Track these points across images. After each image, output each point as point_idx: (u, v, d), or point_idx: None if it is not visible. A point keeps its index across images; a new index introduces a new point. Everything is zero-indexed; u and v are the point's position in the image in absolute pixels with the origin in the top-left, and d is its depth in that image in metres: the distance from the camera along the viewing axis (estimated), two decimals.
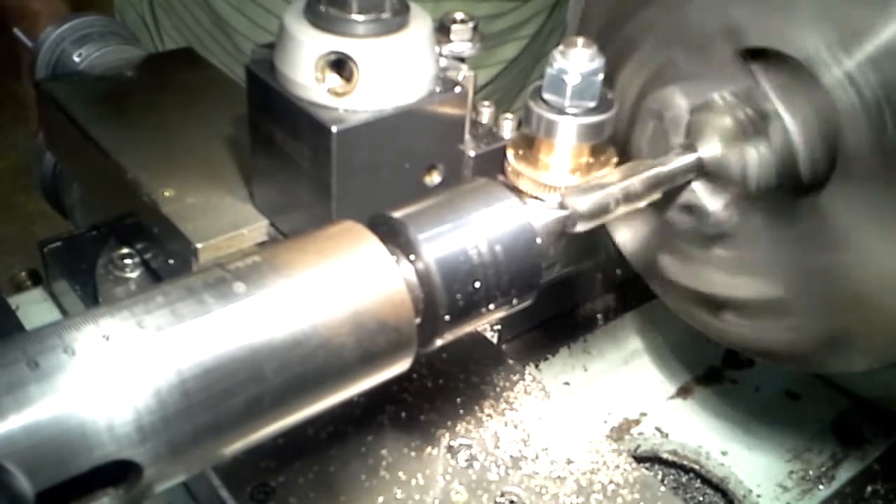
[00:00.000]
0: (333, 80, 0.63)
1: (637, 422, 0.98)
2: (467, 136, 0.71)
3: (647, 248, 0.86)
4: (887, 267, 0.66)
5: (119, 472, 0.41)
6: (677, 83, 0.74)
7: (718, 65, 0.70)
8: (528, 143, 0.68)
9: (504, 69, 1.43)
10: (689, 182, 0.73)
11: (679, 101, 0.74)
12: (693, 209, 0.75)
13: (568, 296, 1.07)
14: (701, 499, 0.94)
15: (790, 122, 0.67)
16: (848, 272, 0.68)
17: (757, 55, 0.68)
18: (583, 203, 0.63)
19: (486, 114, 0.74)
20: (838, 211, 0.67)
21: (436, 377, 0.75)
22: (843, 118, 0.63)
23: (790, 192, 0.69)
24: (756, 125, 0.68)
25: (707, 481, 0.95)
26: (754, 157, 0.68)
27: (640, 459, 0.95)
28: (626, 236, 0.87)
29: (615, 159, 0.69)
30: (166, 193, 0.76)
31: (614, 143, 0.70)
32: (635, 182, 0.66)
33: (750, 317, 0.78)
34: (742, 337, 0.81)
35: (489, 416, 0.72)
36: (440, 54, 0.68)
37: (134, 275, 0.86)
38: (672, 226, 0.78)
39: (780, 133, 0.67)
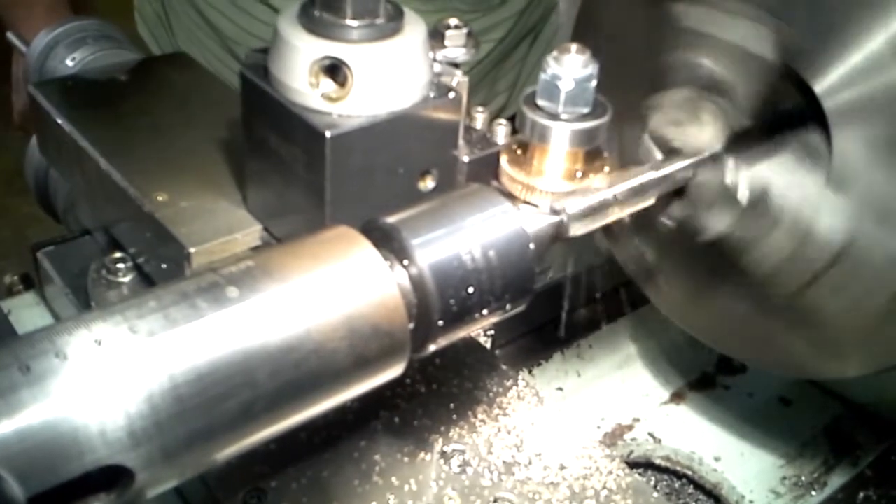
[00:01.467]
0: (327, 84, 0.63)
1: (630, 427, 0.98)
2: (461, 142, 0.72)
3: (640, 253, 0.86)
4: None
5: (111, 478, 0.41)
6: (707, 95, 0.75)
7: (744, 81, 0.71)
8: (522, 149, 0.68)
9: (469, 71, 1.46)
10: (683, 187, 0.73)
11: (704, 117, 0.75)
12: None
13: (561, 301, 1.07)
14: None
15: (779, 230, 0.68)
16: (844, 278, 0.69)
17: None
18: (576, 208, 0.63)
19: (480, 119, 0.74)
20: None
21: (429, 382, 0.75)
22: None
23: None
24: (750, 205, 0.69)
25: (700, 487, 0.95)
26: (722, 226, 0.70)
27: (633, 465, 0.95)
28: (620, 241, 0.87)
29: (609, 165, 0.69)
30: (159, 197, 0.76)
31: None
32: (628, 187, 0.66)
33: (743, 321, 0.78)
34: (734, 341, 0.81)
35: (482, 421, 0.72)
36: (434, 60, 0.68)
37: (127, 279, 0.86)
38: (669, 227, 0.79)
39: (762, 227, 0.69)
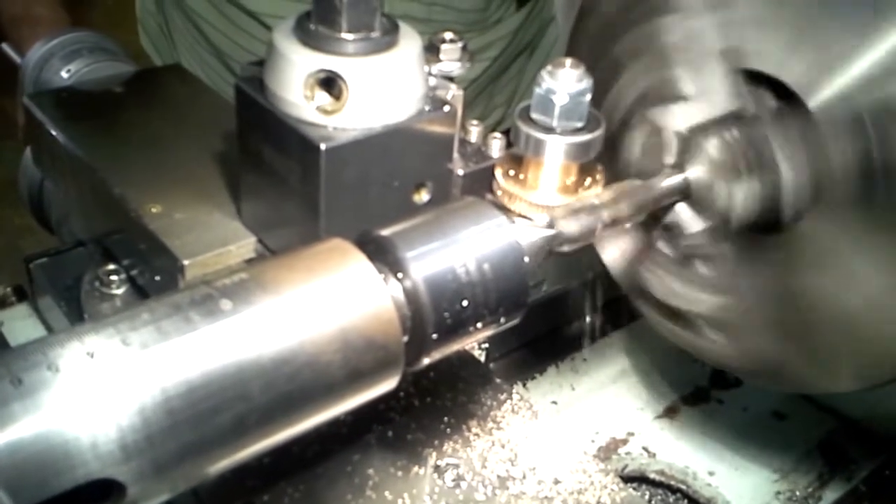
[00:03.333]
0: (322, 98, 0.63)
1: (624, 441, 0.97)
2: (456, 155, 0.72)
3: (634, 267, 0.86)
4: (870, 289, 0.66)
5: (102, 491, 0.41)
6: (675, 103, 0.74)
7: (716, 87, 0.71)
8: (517, 163, 0.68)
9: (465, 88, 1.46)
10: (674, 203, 0.73)
11: (674, 122, 0.74)
12: (672, 227, 0.75)
13: (555, 315, 1.07)
14: None
15: (785, 169, 0.67)
16: (831, 295, 0.69)
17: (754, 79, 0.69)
18: (570, 222, 0.63)
19: (474, 133, 0.74)
20: (819, 236, 0.67)
21: (423, 396, 0.75)
22: (828, 145, 0.64)
23: (767, 227, 0.70)
24: (750, 165, 0.69)
25: (694, 501, 0.95)
26: (740, 196, 0.69)
27: (627, 479, 0.95)
28: (614, 255, 0.87)
29: (603, 179, 0.69)
30: (153, 209, 0.76)
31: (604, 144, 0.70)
32: (622, 202, 0.67)
33: (733, 336, 0.78)
34: (727, 356, 0.81)
35: (476, 435, 0.72)
36: (429, 73, 0.68)
37: (120, 291, 0.86)
38: (654, 243, 0.78)
39: (772, 178, 0.68)
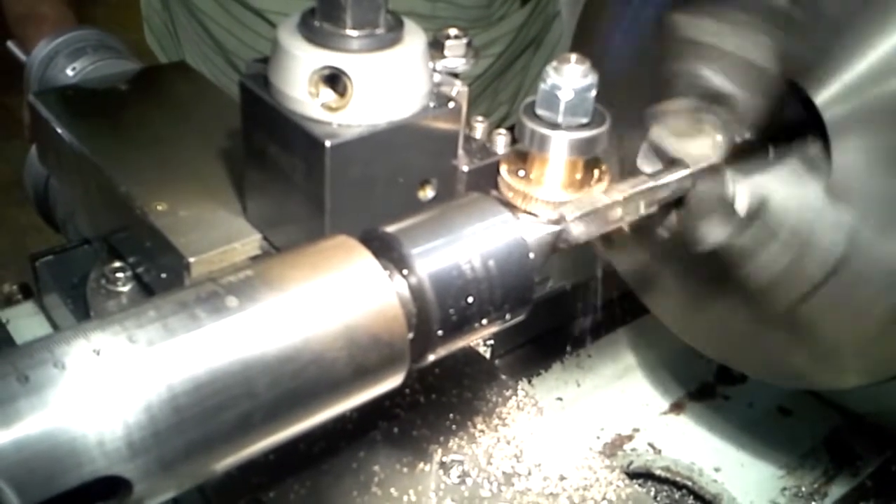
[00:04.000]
0: (327, 94, 0.63)
1: (630, 437, 0.97)
2: (461, 151, 0.72)
3: (641, 263, 0.86)
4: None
5: (109, 488, 0.41)
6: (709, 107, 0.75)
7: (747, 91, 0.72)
8: (522, 159, 0.68)
9: (470, 84, 1.46)
10: (683, 197, 0.73)
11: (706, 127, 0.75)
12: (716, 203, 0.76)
13: (561, 311, 1.07)
14: None
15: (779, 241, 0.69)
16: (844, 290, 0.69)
17: None
18: (575, 218, 0.63)
19: (479, 129, 0.74)
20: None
21: (428, 392, 0.75)
22: None
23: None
24: (749, 218, 0.70)
25: (700, 498, 0.95)
26: (721, 236, 0.69)
27: (632, 476, 0.95)
28: (620, 251, 0.87)
29: (608, 174, 0.69)
30: (159, 207, 0.76)
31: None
32: (628, 197, 0.67)
33: (743, 331, 0.78)
34: (735, 352, 0.81)
35: (482, 431, 0.72)
36: (434, 70, 0.68)
37: (126, 289, 0.86)
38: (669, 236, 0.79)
39: (762, 239, 0.70)
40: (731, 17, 0.69)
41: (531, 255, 0.56)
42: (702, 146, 0.72)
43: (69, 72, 1.04)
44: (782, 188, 0.69)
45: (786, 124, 0.68)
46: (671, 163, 0.73)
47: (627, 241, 0.84)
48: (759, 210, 0.71)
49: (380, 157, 0.66)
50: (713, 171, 0.72)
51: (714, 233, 0.74)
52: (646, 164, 0.76)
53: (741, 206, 0.72)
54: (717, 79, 0.72)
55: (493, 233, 0.55)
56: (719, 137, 0.72)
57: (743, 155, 0.71)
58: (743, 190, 0.71)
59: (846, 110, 0.63)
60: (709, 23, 0.71)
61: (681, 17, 0.73)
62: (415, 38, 0.65)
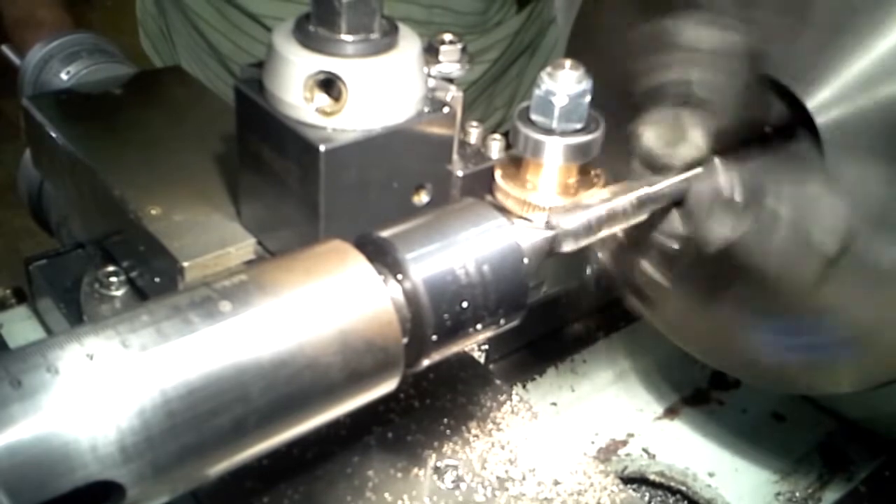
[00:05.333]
0: (322, 99, 0.63)
1: (624, 443, 0.97)
2: (455, 156, 0.72)
3: (635, 268, 0.86)
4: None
5: (102, 493, 0.41)
6: (690, 106, 0.75)
7: (731, 92, 0.72)
8: (516, 164, 0.68)
9: (465, 89, 1.47)
10: (676, 203, 0.74)
11: (689, 127, 0.75)
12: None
13: (555, 316, 1.07)
14: None
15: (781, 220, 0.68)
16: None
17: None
18: (570, 223, 0.63)
19: (474, 134, 0.74)
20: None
21: (423, 397, 0.75)
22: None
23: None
24: (747, 204, 0.70)
25: (694, 503, 0.95)
26: (725, 230, 0.70)
27: (627, 481, 0.95)
28: (614, 256, 0.87)
29: (603, 179, 0.69)
30: (153, 211, 0.76)
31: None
32: (622, 202, 0.67)
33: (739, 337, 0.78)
34: (730, 358, 0.81)
35: (476, 436, 0.72)
36: (429, 75, 0.68)
37: (119, 293, 0.86)
38: (662, 245, 0.79)
39: (764, 224, 0.69)
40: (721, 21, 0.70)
41: (526, 261, 0.57)
42: (689, 148, 0.72)
43: (63, 76, 1.04)
44: (775, 177, 0.69)
45: (772, 120, 0.68)
46: (662, 170, 0.73)
47: (623, 246, 0.85)
48: (756, 199, 0.71)
49: (374, 162, 0.66)
50: (705, 168, 0.72)
51: (719, 229, 0.73)
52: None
53: (738, 195, 0.72)
54: (700, 82, 0.72)
55: (488, 238, 0.55)
56: (702, 136, 0.72)
57: (730, 145, 0.71)
58: (737, 179, 0.71)
59: (839, 115, 0.63)
60: (689, 25, 0.72)
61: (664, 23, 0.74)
62: (410, 44, 0.65)
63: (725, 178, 0.72)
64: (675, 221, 0.76)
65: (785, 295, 0.72)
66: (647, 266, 0.82)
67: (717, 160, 0.72)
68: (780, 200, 0.69)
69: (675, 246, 0.77)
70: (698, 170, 0.72)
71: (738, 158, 0.71)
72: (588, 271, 0.97)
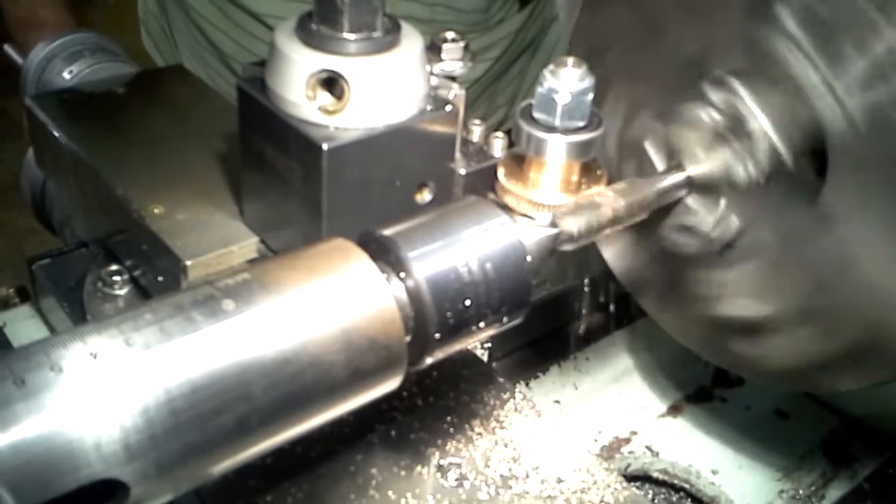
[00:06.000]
0: (324, 97, 0.64)
1: (627, 440, 0.97)
2: (458, 155, 0.72)
3: (637, 266, 0.86)
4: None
5: (106, 492, 0.41)
6: (651, 111, 0.74)
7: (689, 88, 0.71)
8: (519, 162, 0.68)
9: (467, 87, 1.47)
10: (679, 199, 0.73)
11: (655, 127, 0.74)
12: (690, 229, 0.75)
13: (558, 314, 1.07)
14: None
15: (761, 117, 0.67)
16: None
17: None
18: (573, 221, 0.63)
19: (476, 132, 0.74)
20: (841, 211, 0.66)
21: (426, 395, 0.75)
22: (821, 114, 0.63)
23: (789, 188, 0.69)
24: (732, 128, 0.68)
25: (697, 500, 0.95)
26: (734, 157, 0.69)
27: (630, 478, 0.95)
28: (616, 254, 0.87)
29: (605, 177, 0.69)
30: (156, 210, 0.76)
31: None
32: (625, 200, 0.67)
33: (745, 336, 0.78)
34: (735, 356, 0.81)
35: (479, 434, 0.72)
36: (431, 73, 0.68)
37: (122, 292, 0.86)
38: (672, 247, 0.78)
39: (756, 130, 0.68)
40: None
41: (528, 258, 0.57)
42: (712, 161, 0.72)
43: (66, 75, 1.04)
44: (769, 218, 0.70)
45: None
46: (670, 165, 0.73)
47: (626, 244, 0.84)
48: (736, 239, 0.72)
49: (377, 161, 0.66)
50: (709, 186, 0.72)
51: (686, 243, 0.74)
52: (651, 151, 0.76)
53: (717, 232, 0.72)
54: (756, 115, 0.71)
55: (491, 236, 0.55)
56: (733, 163, 0.71)
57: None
58: (727, 216, 0.72)
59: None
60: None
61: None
62: (412, 42, 0.65)
63: (719, 209, 0.72)
64: (686, 215, 0.76)
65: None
66: (653, 262, 0.82)
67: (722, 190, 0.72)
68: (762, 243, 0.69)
69: (686, 241, 0.77)
70: (695, 161, 0.71)
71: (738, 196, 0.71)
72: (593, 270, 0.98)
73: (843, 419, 1.02)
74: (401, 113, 0.66)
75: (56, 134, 0.86)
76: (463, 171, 0.71)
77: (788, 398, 1.04)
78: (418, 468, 0.69)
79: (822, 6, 0.61)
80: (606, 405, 1.01)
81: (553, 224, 0.62)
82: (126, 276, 0.86)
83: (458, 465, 0.69)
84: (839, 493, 0.94)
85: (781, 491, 0.94)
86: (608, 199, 0.66)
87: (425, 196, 0.71)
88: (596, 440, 0.97)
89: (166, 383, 0.42)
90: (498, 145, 0.73)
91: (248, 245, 0.75)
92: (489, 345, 0.86)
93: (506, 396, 0.76)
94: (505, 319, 0.56)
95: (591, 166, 0.68)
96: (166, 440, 0.42)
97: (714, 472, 0.95)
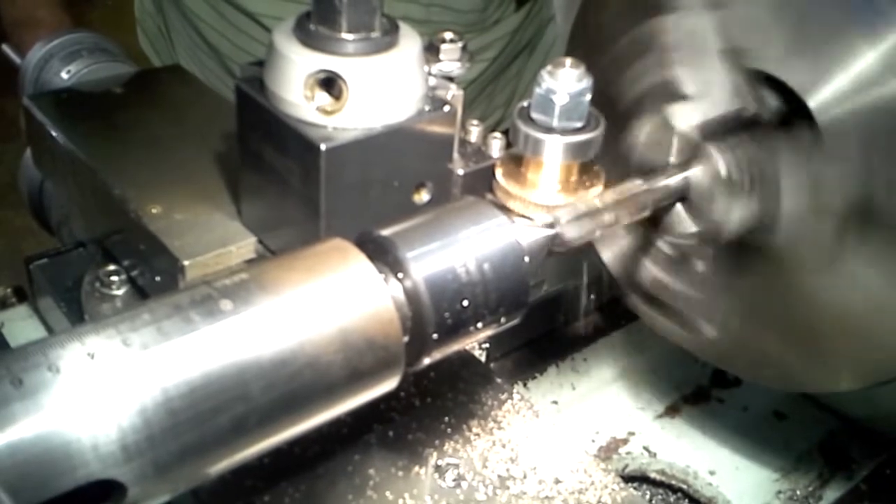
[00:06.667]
0: (323, 98, 0.64)
1: (625, 441, 0.97)
2: (456, 155, 0.72)
3: (634, 266, 0.86)
4: (871, 289, 0.66)
5: (103, 492, 0.41)
6: (678, 103, 0.74)
7: (719, 87, 0.71)
8: (517, 162, 0.68)
9: (465, 88, 1.47)
10: (675, 202, 0.73)
11: (679, 121, 0.74)
12: (667, 225, 0.75)
13: (556, 314, 1.07)
14: None
15: (787, 191, 0.67)
16: (830, 295, 0.68)
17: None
18: (570, 221, 0.63)
19: (474, 132, 0.74)
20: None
21: (423, 396, 0.75)
22: (832, 159, 0.63)
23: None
24: (753, 183, 0.69)
25: (695, 501, 0.95)
26: (738, 213, 0.69)
27: (628, 479, 0.95)
28: (614, 254, 0.87)
29: (603, 178, 0.69)
30: (153, 210, 0.76)
31: (613, 116, 0.70)
32: (622, 201, 0.67)
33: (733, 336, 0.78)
34: (725, 355, 0.81)
35: (477, 435, 0.72)
36: (429, 73, 0.68)
37: (120, 292, 0.86)
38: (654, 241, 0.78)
39: (772, 201, 0.68)
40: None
41: (526, 259, 0.57)
42: (680, 143, 0.72)
43: (64, 75, 1.04)
44: (773, 153, 0.69)
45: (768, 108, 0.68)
46: (663, 167, 0.73)
47: (623, 245, 0.84)
48: (757, 179, 0.71)
49: (375, 161, 0.66)
50: (699, 156, 0.72)
51: (730, 215, 0.72)
52: (647, 148, 0.76)
53: (739, 175, 0.71)
54: (688, 79, 0.71)
55: (489, 236, 0.55)
56: (687, 129, 0.71)
57: (721, 132, 0.71)
58: (732, 160, 0.71)
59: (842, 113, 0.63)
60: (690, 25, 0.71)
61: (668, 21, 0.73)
62: (410, 42, 0.65)
63: (723, 162, 0.71)
64: (680, 221, 0.76)
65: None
66: (651, 267, 0.82)
67: (711, 148, 0.71)
68: (781, 173, 0.68)
69: (683, 245, 0.77)
70: (699, 172, 0.71)
71: (731, 143, 0.71)
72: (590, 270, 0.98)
73: (841, 420, 1.02)
74: (399, 113, 0.66)
75: (54, 134, 0.86)
76: (461, 172, 0.71)
77: (786, 399, 1.04)
78: (416, 468, 0.69)
79: None
80: (604, 406, 1.01)
81: (551, 225, 0.62)
82: (124, 276, 0.86)
83: (456, 466, 0.69)
84: (836, 494, 0.95)
85: (779, 492, 0.94)
86: (606, 199, 0.66)
87: (423, 196, 0.71)
88: (593, 441, 0.97)
89: (164, 383, 0.42)
90: (496, 146, 0.73)
91: (246, 245, 0.75)
92: (487, 345, 0.86)
93: (503, 397, 0.76)
94: (503, 320, 0.56)
95: (588, 166, 0.68)
96: (164, 440, 0.42)
97: (712, 473, 0.95)
